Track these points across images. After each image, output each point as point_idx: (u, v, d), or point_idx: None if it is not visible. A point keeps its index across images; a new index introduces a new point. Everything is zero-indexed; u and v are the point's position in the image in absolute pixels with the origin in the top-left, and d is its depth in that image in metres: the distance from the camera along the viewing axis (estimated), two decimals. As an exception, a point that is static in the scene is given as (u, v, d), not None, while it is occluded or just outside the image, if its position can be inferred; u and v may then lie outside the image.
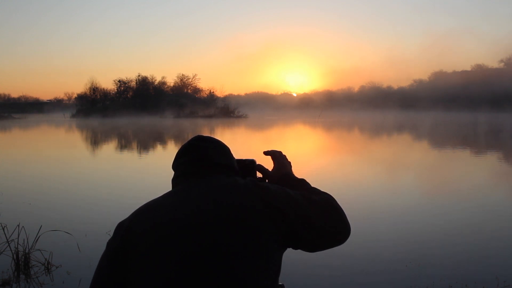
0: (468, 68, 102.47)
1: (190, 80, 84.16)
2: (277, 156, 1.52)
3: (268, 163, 1.54)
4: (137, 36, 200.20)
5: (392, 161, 14.68)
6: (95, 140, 26.54)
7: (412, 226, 6.17)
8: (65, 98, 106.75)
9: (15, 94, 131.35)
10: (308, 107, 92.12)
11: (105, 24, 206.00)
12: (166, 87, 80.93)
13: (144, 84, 77.08)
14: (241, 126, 41.06)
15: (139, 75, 77.04)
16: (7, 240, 4.75)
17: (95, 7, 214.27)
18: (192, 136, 1.41)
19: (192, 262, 1.11)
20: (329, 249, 1.27)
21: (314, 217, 1.22)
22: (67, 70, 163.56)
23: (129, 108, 68.94)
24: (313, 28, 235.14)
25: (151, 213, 1.23)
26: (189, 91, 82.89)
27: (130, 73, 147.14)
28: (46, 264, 4.65)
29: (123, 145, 23.27)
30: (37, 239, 4.83)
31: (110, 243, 1.25)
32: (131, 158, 16.51)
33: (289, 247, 1.23)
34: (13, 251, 4.64)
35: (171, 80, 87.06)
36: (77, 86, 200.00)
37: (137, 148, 21.24)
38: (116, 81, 76.63)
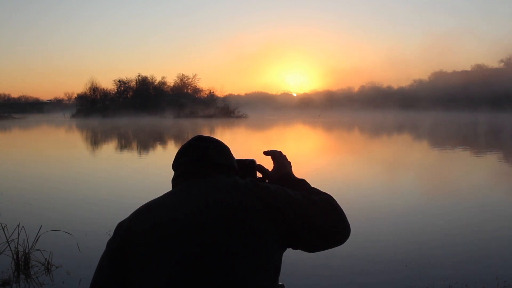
0: (468, 68, 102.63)
1: (190, 80, 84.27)
2: (277, 156, 1.52)
3: (268, 163, 1.54)
4: (137, 36, 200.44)
5: (392, 161, 14.68)
6: (95, 140, 26.55)
7: (412, 226, 6.17)
8: (65, 98, 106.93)
9: (15, 94, 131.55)
10: (308, 107, 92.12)
11: (105, 24, 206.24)
12: (166, 87, 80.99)
13: (144, 84, 77.10)
14: (241, 126, 41.06)
15: (139, 75, 77.16)
16: (7, 240, 4.75)
17: (95, 7, 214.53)
18: (192, 136, 1.41)
19: (192, 262, 1.11)
20: (329, 249, 1.27)
21: (314, 217, 1.22)
22: (67, 70, 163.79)
23: (129, 108, 68.95)
24: (313, 28, 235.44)
25: (151, 213, 1.23)
26: (189, 91, 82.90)
27: (130, 73, 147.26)
28: (46, 264, 4.65)
29: (123, 145, 23.27)
30: (37, 239, 4.83)
31: (110, 243, 1.25)
32: (131, 158, 16.52)
33: (289, 247, 1.23)
34: (13, 251, 4.64)
35: (171, 80, 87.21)
36: (77, 86, 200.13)
37: (137, 148, 21.24)
38: (116, 81, 76.74)
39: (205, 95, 79.17)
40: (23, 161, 15.22)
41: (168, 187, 1.34)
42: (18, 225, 4.89)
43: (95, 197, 8.54)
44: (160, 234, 1.17)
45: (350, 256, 4.75)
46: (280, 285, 1.30)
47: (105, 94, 76.16)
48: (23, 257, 4.64)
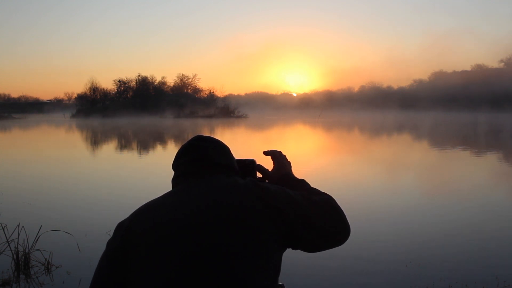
0: (468, 68, 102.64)
1: (190, 80, 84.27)
2: (277, 156, 1.52)
3: (268, 163, 1.54)
4: (137, 36, 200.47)
5: (392, 161, 14.68)
6: (95, 140, 26.55)
7: (412, 226, 6.17)
8: (65, 98, 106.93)
9: (15, 94, 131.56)
10: (308, 107, 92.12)
11: (105, 24, 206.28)
12: (166, 87, 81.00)
13: (144, 84, 77.11)
14: (241, 126, 41.06)
15: (139, 75, 77.18)
16: (7, 240, 4.75)
17: (95, 7, 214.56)
18: (192, 136, 1.41)
19: (192, 262, 1.11)
20: (329, 249, 1.27)
21: (314, 217, 1.22)
22: (67, 70, 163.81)
23: (129, 108, 68.95)
24: (313, 28, 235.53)
25: (151, 213, 1.23)
26: (189, 91, 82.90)
27: (130, 73, 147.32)
28: (46, 264, 4.65)
29: (123, 145, 23.27)
30: (37, 239, 4.83)
31: (110, 243, 1.25)
32: (131, 158, 16.52)
33: (289, 247, 1.23)
34: (13, 251, 4.64)
35: (171, 80, 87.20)
36: (77, 86, 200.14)
37: (137, 148, 21.24)
38: (116, 81, 76.76)
39: (205, 95, 79.21)
40: (23, 161, 15.22)
41: (168, 187, 1.34)
42: (18, 225, 4.89)
43: (95, 197, 8.54)
44: (160, 234, 1.17)
45: (350, 256, 4.75)
46: (280, 285, 1.30)
47: (105, 94, 76.19)
48: (23, 257, 4.64)
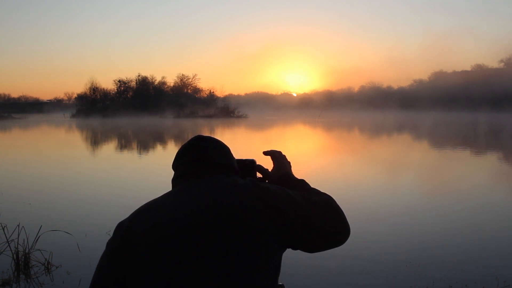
0: (468, 68, 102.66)
1: (190, 80, 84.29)
2: (276, 156, 1.52)
3: (268, 163, 1.54)
4: (137, 36, 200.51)
5: (392, 161, 14.68)
6: (95, 140, 26.55)
7: (412, 226, 6.17)
8: (65, 98, 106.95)
9: (15, 94, 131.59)
10: (308, 107, 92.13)
11: (105, 24, 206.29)
12: (166, 87, 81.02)
13: (144, 84, 77.12)
14: (241, 126, 41.06)
15: (139, 75, 77.22)
16: (7, 240, 4.75)
17: (95, 7, 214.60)
18: (192, 136, 1.41)
19: (192, 262, 1.11)
20: (329, 249, 1.27)
21: (314, 217, 1.22)
22: (67, 70, 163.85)
23: (129, 108, 68.96)
24: (313, 28, 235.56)
25: (151, 213, 1.23)
26: (189, 91, 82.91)
27: (130, 73, 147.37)
28: (46, 264, 4.65)
29: (123, 145, 23.27)
30: (37, 239, 4.83)
31: (110, 243, 1.25)
32: (131, 158, 16.52)
33: (289, 248, 1.23)
34: (13, 251, 4.64)
35: (171, 80, 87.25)
36: (77, 86, 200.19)
37: (137, 148, 21.24)
38: (116, 81, 76.79)
39: (205, 95, 79.22)
40: (23, 161, 15.22)
41: (168, 187, 1.34)
42: (18, 225, 4.89)
43: (95, 197, 8.54)
44: (160, 234, 1.17)
45: (350, 256, 4.75)
46: (280, 285, 1.30)
47: (105, 94, 76.19)
48: (23, 257, 4.64)
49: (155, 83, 78.92)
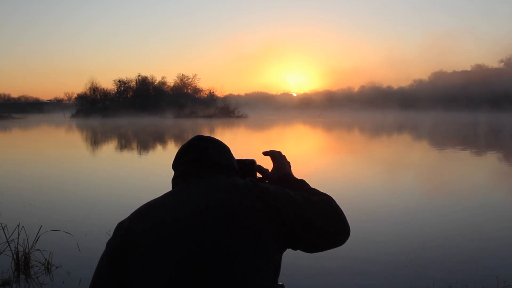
0: (468, 68, 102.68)
1: (190, 80, 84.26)
2: (276, 157, 1.52)
3: (268, 164, 1.54)
4: (137, 36, 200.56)
5: (392, 161, 14.68)
6: (95, 140, 26.55)
7: (412, 226, 6.17)
8: (65, 98, 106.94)
9: (15, 94, 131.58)
10: (308, 107, 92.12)
11: (105, 24, 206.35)
12: (166, 87, 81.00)
13: (144, 84, 77.11)
14: (241, 126, 41.06)
15: (139, 75, 77.18)
16: (7, 240, 4.75)
17: (95, 7, 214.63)
18: (192, 136, 1.41)
19: (192, 262, 1.12)
20: (329, 249, 1.27)
21: (314, 217, 1.22)
22: (67, 70, 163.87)
23: (129, 108, 68.95)
24: (313, 28, 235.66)
25: (151, 213, 1.23)
26: (189, 91, 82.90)
27: (130, 73, 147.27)
28: (46, 264, 4.65)
29: (123, 145, 23.27)
30: (37, 239, 4.83)
31: (110, 243, 1.25)
32: (131, 158, 16.52)
33: (289, 248, 1.23)
34: (13, 251, 4.64)
35: (171, 80, 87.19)
36: (77, 86, 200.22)
37: (137, 148, 21.24)
38: (116, 81, 76.76)
39: (205, 95, 79.21)
40: (23, 161, 15.22)
41: (168, 187, 1.34)
42: (18, 225, 4.89)
43: (95, 197, 8.54)
44: (160, 234, 1.17)
45: (350, 257, 4.75)
46: (280, 285, 1.30)
47: (105, 94, 76.18)
48: (23, 257, 4.64)
49: (155, 83, 78.96)
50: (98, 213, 7.10)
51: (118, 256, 1.21)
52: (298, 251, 1.26)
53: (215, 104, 70.94)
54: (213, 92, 78.45)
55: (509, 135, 27.95)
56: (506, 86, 76.74)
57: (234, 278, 1.10)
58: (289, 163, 1.53)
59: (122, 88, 77.26)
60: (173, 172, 1.36)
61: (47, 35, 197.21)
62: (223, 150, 1.39)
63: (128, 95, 77.64)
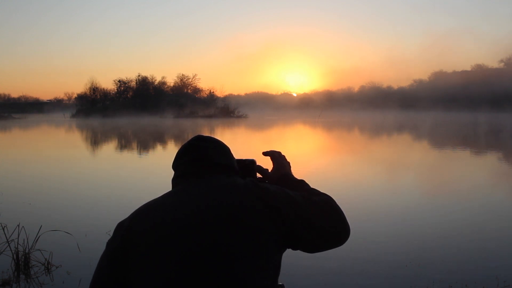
0: (468, 68, 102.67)
1: (190, 80, 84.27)
2: (276, 157, 1.52)
3: (268, 164, 1.54)
4: (137, 36, 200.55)
5: (392, 161, 14.68)
6: (95, 140, 26.55)
7: (412, 227, 6.16)
8: (65, 98, 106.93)
9: (15, 94, 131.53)
10: (308, 107, 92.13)
11: (105, 24, 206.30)
12: (166, 87, 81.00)
13: (144, 84, 77.10)
14: (241, 126, 41.07)
15: (139, 75, 77.18)
16: (7, 240, 4.75)
17: (95, 7, 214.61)
18: (192, 136, 1.41)
19: (192, 262, 1.12)
20: (329, 250, 1.27)
21: (314, 217, 1.22)
22: (67, 70, 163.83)
23: (129, 108, 68.95)
24: (313, 28, 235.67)
25: (151, 213, 1.23)
26: (189, 91, 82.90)
27: (130, 73, 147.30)
28: (46, 264, 4.65)
29: (123, 145, 23.27)
30: (37, 239, 4.83)
31: (110, 243, 1.25)
32: (131, 158, 16.52)
33: (289, 248, 1.23)
34: (13, 251, 4.64)
35: (171, 80, 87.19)
36: (77, 86, 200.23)
37: (137, 148, 21.24)
38: (116, 81, 76.74)
39: (205, 95, 79.21)
40: (23, 161, 15.22)
41: (168, 187, 1.34)
42: (18, 225, 4.89)
43: (95, 197, 8.54)
44: (160, 234, 1.17)
45: (350, 257, 4.75)
46: (280, 285, 1.30)
47: (105, 94, 76.17)
48: (23, 257, 4.64)
49: (155, 83, 78.96)
50: (98, 213, 7.10)
51: (118, 256, 1.21)
52: (298, 251, 1.26)
53: (215, 104, 70.95)
54: (213, 92, 78.55)
55: (509, 135, 27.95)
56: (506, 86, 76.74)
57: (234, 278, 1.10)
58: (289, 163, 1.53)
59: (122, 88, 77.28)
60: (173, 172, 1.36)
61: (47, 35, 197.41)
62: (223, 150, 1.39)
63: (128, 95, 77.64)
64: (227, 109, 64.65)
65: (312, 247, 1.25)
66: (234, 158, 1.42)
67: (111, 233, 1.28)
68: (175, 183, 1.34)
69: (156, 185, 9.13)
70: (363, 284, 4.21)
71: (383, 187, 9.55)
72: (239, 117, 60.99)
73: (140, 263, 1.16)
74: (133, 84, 77.18)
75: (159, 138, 27.73)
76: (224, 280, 1.10)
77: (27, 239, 4.73)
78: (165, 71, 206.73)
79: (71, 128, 41.38)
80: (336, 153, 17.78)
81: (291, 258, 2.28)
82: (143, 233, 1.19)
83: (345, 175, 11.28)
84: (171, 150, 18.47)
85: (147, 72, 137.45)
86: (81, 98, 74.96)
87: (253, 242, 1.14)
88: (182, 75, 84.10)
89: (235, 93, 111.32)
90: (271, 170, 1.50)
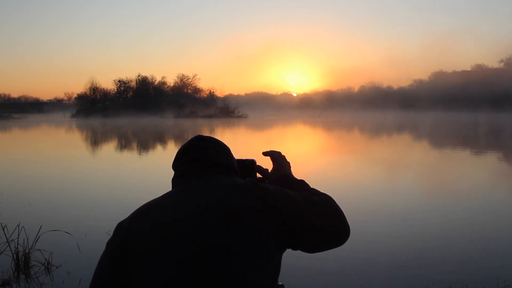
0: (468, 68, 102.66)
1: (190, 80, 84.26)
2: (276, 157, 1.52)
3: (268, 164, 1.54)
4: (137, 36, 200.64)
5: (392, 161, 14.68)
6: (95, 140, 26.54)
7: (412, 227, 6.16)
8: (65, 98, 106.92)
9: (15, 94, 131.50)
10: (308, 107, 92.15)
11: (105, 24, 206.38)
12: (166, 87, 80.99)
13: (144, 84, 77.09)
14: (241, 126, 41.06)
15: (139, 75, 77.15)
16: (7, 240, 4.75)
17: (95, 7, 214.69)
18: (192, 136, 1.41)
19: (192, 262, 1.12)
20: (329, 250, 1.27)
21: (314, 217, 1.22)
22: (67, 70, 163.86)
23: (129, 108, 68.95)
24: (313, 28, 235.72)
25: (151, 213, 1.23)
26: (189, 91, 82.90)
27: (130, 73, 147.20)
28: (46, 264, 4.65)
29: (123, 145, 23.27)
30: (37, 239, 4.83)
31: (110, 243, 1.25)
32: (131, 158, 16.51)
33: (288, 248, 1.23)
34: (13, 251, 4.64)
35: (171, 80, 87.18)
36: (77, 86, 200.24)
37: (137, 148, 21.24)
38: (116, 81, 76.73)
39: (205, 95, 79.20)
40: (23, 161, 15.21)
41: (168, 187, 1.34)
42: (18, 225, 4.89)
43: (95, 197, 8.54)
44: (160, 234, 1.17)
45: (350, 257, 4.75)
46: (280, 285, 1.30)
47: (105, 94, 76.15)
48: (23, 257, 4.64)
49: (155, 83, 78.95)
50: (98, 213, 7.10)
51: (118, 256, 1.21)
52: (298, 251, 1.26)
53: (215, 104, 70.95)
54: (213, 92, 78.53)
55: (509, 135, 27.95)
56: (506, 86, 76.74)
57: (234, 278, 1.10)
58: (289, 163, 1.53)
59: (122, 88, 77.26)
60: (173, 172, 1.36)
61: (47, 35, 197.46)
62: (223, 150, 1.39)
63: (128, 95, 77.62)
64: (227, 109, 64.65)
65: (312, 247, 1.25)
66: (234, 158, 1.42)
67: (111, 233, 1.28)
68: (175, 183, 1.34)
69: (156, 185, 9.13)
70: (363, 284, 4.21)
71: (383, 187, 9.55)
72: (239, 117, 60.99)
73: (140, 263, 1.16)
74: (133, 84, 77.22)
75: (159, 138, 27.73)
76: (224, 280, 1.10)
77: (27, 239, 4.73)
78: (165, 71, 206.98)
79: (71, 128, 41.38)
80: (336, 153, 17.78)
81: (291, 258, 2.28)
82: (143, 233, 1.19)
83: (345, 175, 11.28)
84: (171, 150, 18.47)
85: (147, 72, 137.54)
86: (81, 98, 74.95)
87: (253, 242, 1.14)
88: (182, 75, 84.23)
89: (235, 93, 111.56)
90: (271, 170, 1.50)
